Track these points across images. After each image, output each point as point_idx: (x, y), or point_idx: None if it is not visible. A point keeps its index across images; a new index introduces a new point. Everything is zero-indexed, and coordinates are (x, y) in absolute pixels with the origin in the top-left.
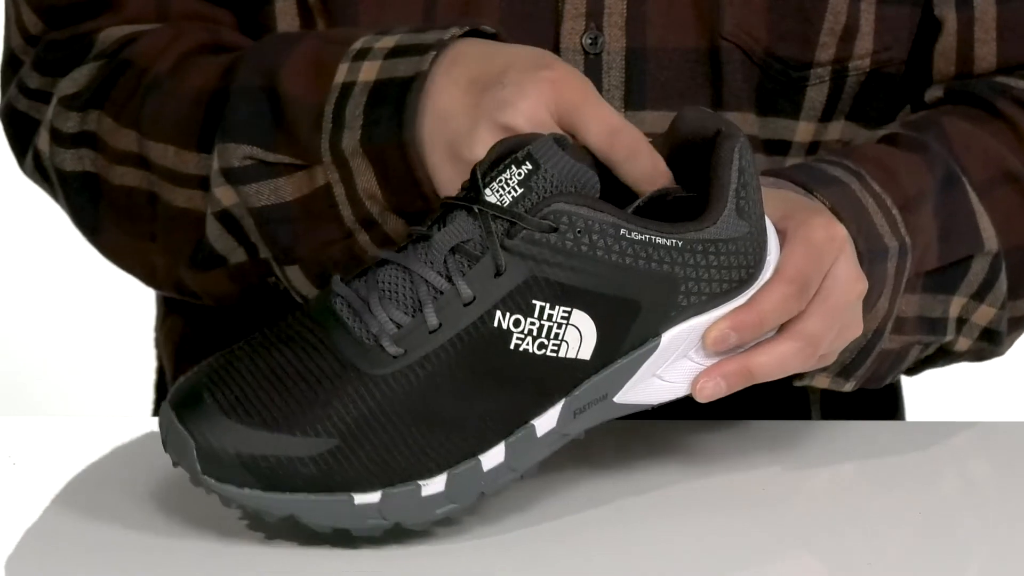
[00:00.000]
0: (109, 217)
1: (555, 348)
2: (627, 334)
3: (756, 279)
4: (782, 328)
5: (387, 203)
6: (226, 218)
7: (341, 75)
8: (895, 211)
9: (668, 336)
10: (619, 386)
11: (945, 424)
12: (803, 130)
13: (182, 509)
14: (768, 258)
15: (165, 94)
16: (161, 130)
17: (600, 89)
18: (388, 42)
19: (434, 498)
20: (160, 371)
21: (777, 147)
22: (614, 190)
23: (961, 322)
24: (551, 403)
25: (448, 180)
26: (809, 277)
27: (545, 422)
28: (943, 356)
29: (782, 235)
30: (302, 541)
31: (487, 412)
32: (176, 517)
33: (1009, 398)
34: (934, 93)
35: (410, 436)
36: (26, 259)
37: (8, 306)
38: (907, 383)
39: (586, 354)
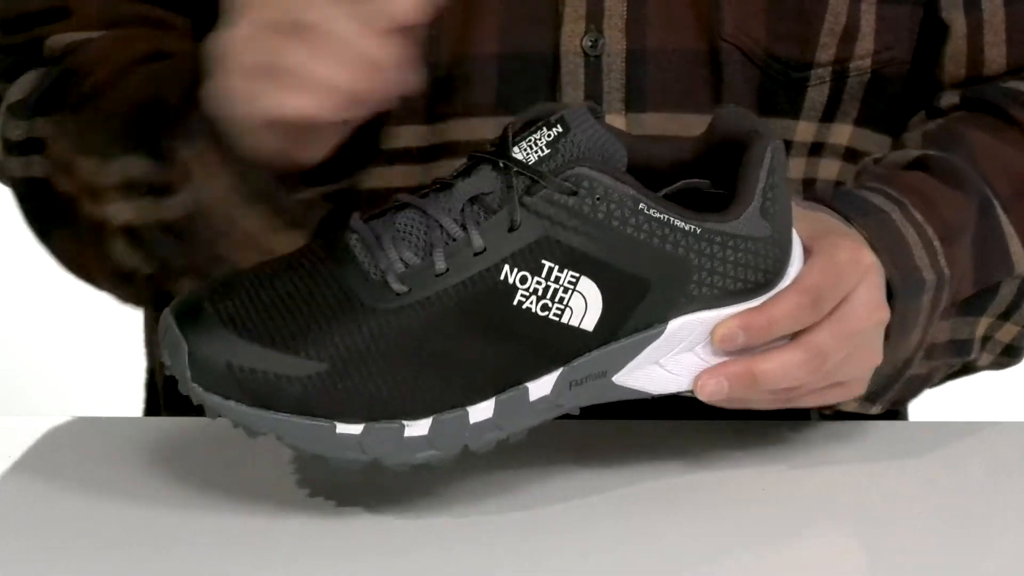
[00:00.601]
0: (55, 223)
1: (558, 312)
2: (633, 312)
3: (774, 286)
4: (791, 338)
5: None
6: (130, 232)
7: None
8: (936, 243)
9: (675, 324)
10: (619, 366)
11: (945, 424)
12: (803, 130)
13: (181, 509)
14: (789, 270)
15: (96, 108)
16: (87, 143)
17: (601, 92)
18: None
19: (416, 440)
20: (151, 371)
21: None
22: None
23: (985, 340)
24: (548, 369)
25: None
26: (824, 291)
27: (540, 387)
28: (964, 371)
29: (808, 253)
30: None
31: (481, 363)
32: (175, 517)
33: (1009, 398)
34: (950, 99)
35: (400, 374)
36: (25, 259)
37: (8, 306)
38: None
39: (589, 324)
